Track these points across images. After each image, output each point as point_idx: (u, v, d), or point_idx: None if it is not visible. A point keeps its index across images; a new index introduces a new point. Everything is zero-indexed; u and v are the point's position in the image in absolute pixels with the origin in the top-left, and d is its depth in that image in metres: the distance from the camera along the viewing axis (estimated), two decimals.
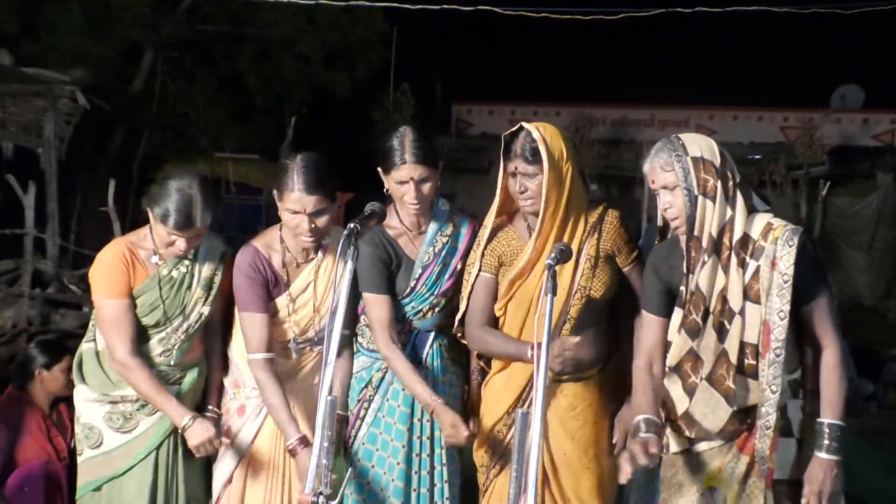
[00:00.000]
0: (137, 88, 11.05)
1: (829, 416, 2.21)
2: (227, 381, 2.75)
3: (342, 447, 2.64)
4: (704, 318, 2.28)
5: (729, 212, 2.24)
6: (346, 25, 11.69)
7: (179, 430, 2.59)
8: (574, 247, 2.40)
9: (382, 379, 2.63)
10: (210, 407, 2.73)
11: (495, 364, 2.60)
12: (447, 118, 13.28)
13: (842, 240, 11.47)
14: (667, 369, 2.39)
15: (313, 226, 2.49)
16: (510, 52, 13.54)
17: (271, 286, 2.61)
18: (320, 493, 1.91)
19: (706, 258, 2.24)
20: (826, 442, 2.19)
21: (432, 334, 2.65)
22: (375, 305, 2.57)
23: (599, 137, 12.14)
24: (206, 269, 2.67)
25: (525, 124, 2.43)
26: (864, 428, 6.06)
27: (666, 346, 2.38)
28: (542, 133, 2.39)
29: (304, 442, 2.46)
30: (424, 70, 12.86)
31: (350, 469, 2.57)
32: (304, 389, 2.63)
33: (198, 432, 2.56)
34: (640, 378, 2.37)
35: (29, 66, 8.56)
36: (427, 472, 2.61)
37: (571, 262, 2.39)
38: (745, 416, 2.29)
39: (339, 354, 2.08)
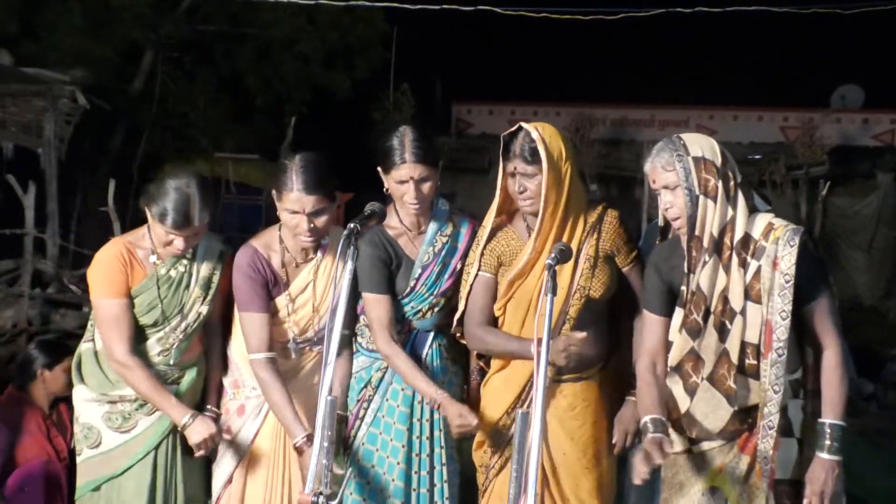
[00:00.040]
0: (137, 88, 11.06)
1: (830, 416, 2.21)
2: (226, 381, 2.75)
3: (342, 447, 2.64)
4: (705, 318, 2.28)
5: (730, 212, 2.24)
6: (346, 25, 11.69)
7: (179, 429, 2.59)
8: (573, 247, 2.40)
9: (382, 379, 2.63)
10: (209, 406, 2.72)
11: (494, 364, 2.60)
12: (447, 118, 13.28)
13: (842, 240, 11.47)
14: (668, 369, 2.38)
15: (312, 226, 2.49)
16: (510, 52, 13.54)
17: (271, 286, 2.61)
18: (320, 493, 1.91)
19: (707, 258, 2.24)
20: (827, 442, 2.19)
21: (431, 334, 2.65)
22: (375, 305, 2.57)
23: (599, 137, 12.13)
24: (204, 269, 2.67)
25: (524, 124, 2.43)
26: (864, 428, 6.07)
27: (668, 345, 2.37)
28: (540, 133, 2.39)
29: (311, 440, 2.46)
30: (424, 70, 12.86)
31: (350, 469, 2.57)
32: (304, 389, 2.63)
33: (198, 430, 2.56)
34: (645, 378, 2.37)
35: (29, 66, 8.56)
36: (427, 471, 2.61)
37: (571, 262, 2.39)
38: (745, 416, 2.29)
39: (338, 354, 2.09)
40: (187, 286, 2.64)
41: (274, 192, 2.53)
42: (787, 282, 2.17)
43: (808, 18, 7.60)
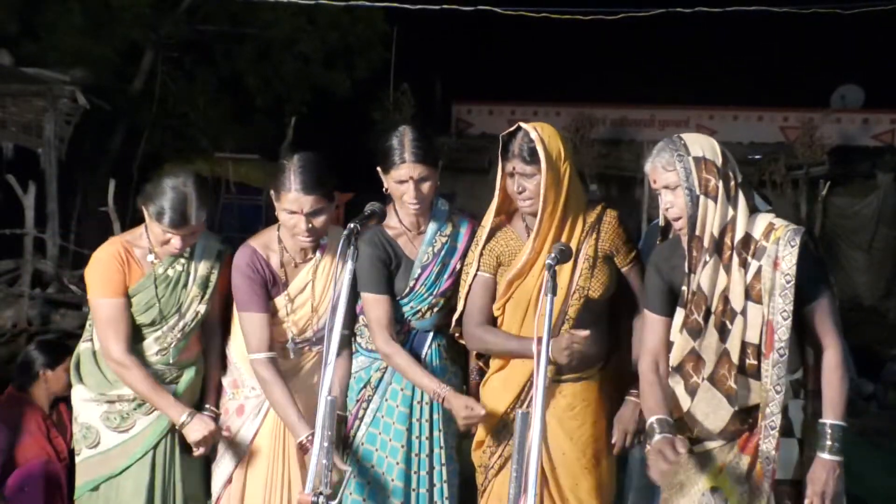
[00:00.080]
0: (137, 88, 11.06)
1: (830, 416, 2.20)
2: (225, 381, 2.75)
3: (341, 447, 2.64)
4: (706, 318, 2.28)
5: (731, 212, 2.24)
6: (346, 25, 11.70)
7: (177, 427, 2.59)
8: (572, 247, 2.40)
9: (381, 379, 2.63)
10: (208, 406, 2.72)
11: (493, 363, 2.60)
12: (447, 118, 13.27)
13: (842, 240, 11.47)
14: (669, 369, 2.38)
15: (310, 226, 2.49)
16: (510, 52, 13.54)
17: (270, 286, 2.60)
18: (320, 493, 1.91)
19: (708, 258, 2.24)
20: (828, 443, 2.19)
21: (431, 334, 2.65)
22: (374, 305, 2.57)
23: (599, 137, 12.13)
24: (202, 268, 2.67)
25: (523, 124, 2.43)
26: (865, 428, 6.07)
27: (669, 345, 2.37)
28: (539, 133, 2.39)
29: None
30: (424, 70, 12.86)
31: (350, 469, 2.57)
32: (303, 389, 2.63)
33: (197, 428, 2.56)
34: (648, 378, 2.37)
35: (29, 66, 8.56)
36: (426, 472, 2.61)
37: (570, 263, 2.38)
38: (746, 416, 2.29)
39: (337, 354, 2.09)
40: (185, 285, 2.64)
41: (272, 192, 2.53)
42: (788, 282, 2.17)
43: (808, 18, 7.61)
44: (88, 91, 8.58)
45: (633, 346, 2.55)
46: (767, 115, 12.51)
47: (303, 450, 2.51)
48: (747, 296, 2.23)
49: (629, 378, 2.55)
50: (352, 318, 2.65)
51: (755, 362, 2.24)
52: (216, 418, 2.71)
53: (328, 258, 2.67)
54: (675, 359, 2.35)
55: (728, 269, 2.24)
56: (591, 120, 12.11)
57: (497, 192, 2.50)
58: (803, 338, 2.29)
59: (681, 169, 2.24)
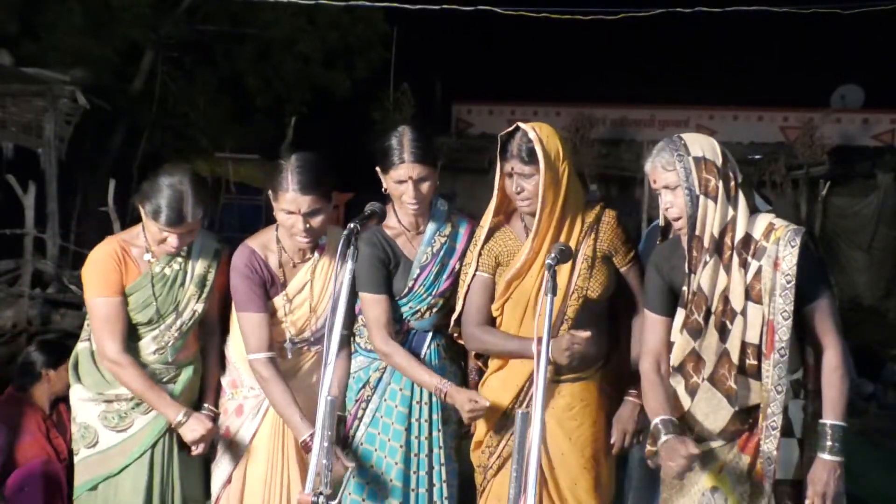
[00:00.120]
0: (137, 88, 11.06)
1: (831, 416, 2.20)
2: (224, 381, 2.75)
3: (341, 447, 2.64)
4: (706, 319, 2.28)
5: (731, 212, 2.24)
6: (346, 25, 11.70)
7: (173, 427, 2.59)
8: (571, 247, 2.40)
9: (380, 379, 2.63)
10: (206, 405, 2.72)
11: (492, 364, 2.59)
12: (447, 118, 13.27)
13: (842, 240, 11.47)
14: (670, 369, 2.38)
15: (308, 226, 2.49)
16: (510, 52, 13.55)
17: (268, 286, 2.60)
18: (320, 493, 1.91)
19: (708, 258, 2.24)
20: (829, 443, 2.19)
21: (430, 334, 2.64)
22: (372, 305, 2.57)
23: (599, 137, 12.13)
24: (199, 267, 2.67)
25: (521, 124, 2.42)
26: (864, 428, 6.07)
27: (669, 345, 2.37)
28: (538, 133, 2.39)
29: None
30: (424, 70, 12.86)
31: (353, 465, 2.57)
32: (302, 389, 2.62)
33: (193, 427, 2.56)
34: (650, 379, 2.36)
35: (29, 66, 8.56)
36: (425, 472, 2.60)
37: (568, 263, 2.38)
38: (746, 417, 2.29)
39: (336, 354, 2.09)
40: (182, 284, 2.64)
41: (270, 192, 2.53)
42: (789, 282, 2.17)
43: (808, 18, 7.61)
44: (88, 91, 8.58)
45: (632, 347, 2.55)
46: (767, 115, 12.51)
47: (305, 449, 2.51)
48: (747, 296, 2.23)
49: (628, 378, 2.55)
50: (351, 318, 2.65)
51: (755, 362, 2.24)
52: (215, 418, 2.71)
53: (326, 258, 2.67)
54: (675, 359, 2.35)
55: (728, 270, 2.24)
56: (591, 120, 12.10)
57: (495, 192, 2.50)
58: (803, 338, 2.29)
59: (681, 169, 2.24)
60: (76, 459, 2.70)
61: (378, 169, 2.56)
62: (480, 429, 2.58)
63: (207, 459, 2.73)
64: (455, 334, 2.62)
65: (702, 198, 2.22)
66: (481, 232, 2.54)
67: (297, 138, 10.65)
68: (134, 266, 2.60)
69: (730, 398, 2.26)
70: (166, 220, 2.45)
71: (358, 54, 12.23)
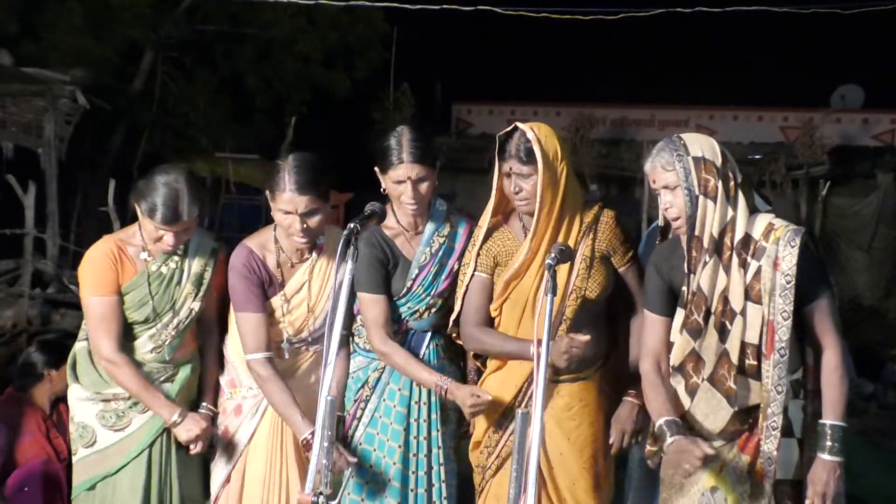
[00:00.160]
0: (137, 88, 11.07)
1: (830, 417, 2.20)
2: (223, 381, 2.75)
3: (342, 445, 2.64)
4: (706, 319, 2.28)
5: (730, 212, 2.24)
6: (346, 25, 11.70)
7: (168, 426, 2.59)
8: None
9: (379, 379, 2.62)
10: (204, 404, 2.72)
11: (491, 364, 2.59)
12: (447, 118, 13.27)
13: (842, 240, 11.47)
14: (670, 369, 2.38)
15: (305, 226, 2.49)
16: (510, 52, 13.54)
17: (266, 286, 2.60)
18: (320, 493, 1.91)
19: (707, 258, 2.24)
20: (829, 443, 2.19)
21: (429, 334, 2.64)
22: (371, 305, 2.57)
23: (599, 137, 12.12)
24: (195, 265, 2.67)
25: (519, 124, 2.42)
26: (864, 428, 6.07)
27: (670, 345, 2.37)
28: (536, 133, 2.38)
29: None
30: (424, 70, 12.85)
31: (350, 469, 2.57)
32: (300, 389, 2.62)
33: (188, 427, 2.57)
34: (651, 380, 2.36)
35: (29, 66, 8.57)
36: (424, 472, 2.60)
37: (566, 263, 2.38)
38: (746, 417, 2.29)
39: (335, 354, 2.09)
40: (179, 282, 2.64)
41: (267, 192, 2.53)
42: (789, 282, 2.17)
43: (808, 18, 7.61)
44: (88, 91, 8.58)
45: (630, 347, 2.55)
46: (767, 115, 12.50)
47: (306, 447, 2.51)
48: (747, 296, 2.23)
49: (627, 378, 2.55)
50: (350, 318, 2.65)
51: (755, 363, 2.24)
52: (214, 417, 2.71)
53: (325, 258, 2.67)
54: (675, 359, 2.35)
55: (728, 270, 2.24)
56: (591, 120, 12.09)
57: (494, 193, 2.50)
58: (803, 338, 2.29)
59: (680, 169, 2.24)
60: (74, 459, 2.71)
61: (377, 169, 2.56)
62: (479, 429, 2.58)
63: (206, 459, 2.74)
64: (454, 334, 2.61)
65: (701, 198, 2.22)
66: (479, 232, 2.54)
67: (297, 138, 10.66)
68: (130, 265, 2.60)
69: (729, 398, 2.26)
70: (162, 218, 2.46)
71: (358, 54, 12.24)
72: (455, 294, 2.58)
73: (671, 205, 2.28)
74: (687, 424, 2.34)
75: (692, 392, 2.32)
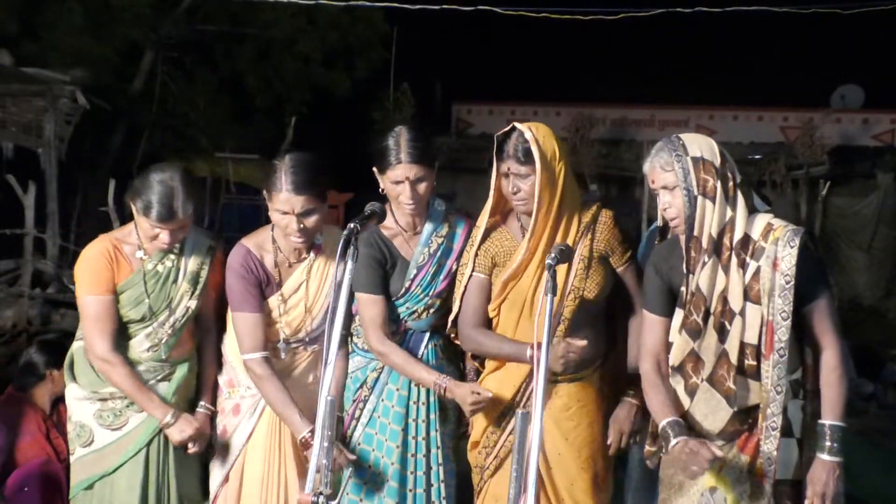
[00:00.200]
0: (137, 88, 11.07)
1: (830, 417, 2.21)
2: (221, 380, 2.75)
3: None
4: (705, 319, 2.28)
5: (729, 212, 2.24)
6: (346, 25, 11.70)
7: (161, 428, 2.59)
8: None
9: (377, 379, 2.63)
10: (203, 403, 2.72)
11: (489, 364, 2.59)
12: (447, 118, 13.27)
13: (842, 240, 11.46)
14: (670, 369, 2.38)
15: (302, 226, 2.49)
16: (510, 52, 13.54)
17: (264, 286, 2.60)
18: (320, 493, 1.91)
19: (706, 259, 2.24)
20: (828, 444, 2.19)
21: (427, 335, 2.64)
22: (369, 305, 2.57)
23: (599, 137, 12.11)
24: (192, 263, 2.67)
25: (517, 125, 2.42)
26: (864, 428, 6.06)
27: (669, 345, 2.37)
28: (534, 133, 2.38)
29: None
30: (424, 70, 12.85)
31: (350, 469, 2.57)
32: (297, 389, 2.62)
33: (181, 428, 2.58)
34: (651, 380, 2.36)
35: (29, 66, 8.58)
36: (423, 472, 2.61)
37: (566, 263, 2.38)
38: (745, 417, 2.29)
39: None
40: (175, 281, 2.64)
41: (265, 192, 2.53)
42: (788, 283, 2.17)
43: (808, 18, 7.60)
44: (88, 91, 8.59)
45: (629, 347, 2.55)
46: (767, 115, 12.49)
47: (304, 446, 2.51)
48: (746, 296, 2.23)
49: (625, 378, 2.55)
50: (348, 318, 2.65)
51: (754, 363, 2.24)
52: (212, 416, 2.71)
53: (322, 258, 2.67)
54: (674, 359, 2.35)
55: (727, 270, 2.24)
56: (591, 120, 12.09)
57: (492, 193, 2.50)
58: (802, 338, 2.29)
59: (679, 169, 2.24)
60: (72, 459, 2.71)
61: (375, 169, 2.56)
62: (477, 429, 2.58)
63: (205, 458, 2.74)
64: (452, 335, 2.61)
65: (700, 198, 2.22)
66: (478, 232, 2.54)
67: (297, 138, 10.66)
68: (126, 264, 2.61)
69: (729, 399, 2.26)
70: (157, 216, 2.46)
71: (358, 54, 12.23)
72: (453, 294, 2.58)
73: (670, 205, 2.28)
74: (687, 425, 2.34)
75: (691, 392, 2.33)
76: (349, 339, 2.69)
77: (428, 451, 2.61)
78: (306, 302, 2.64)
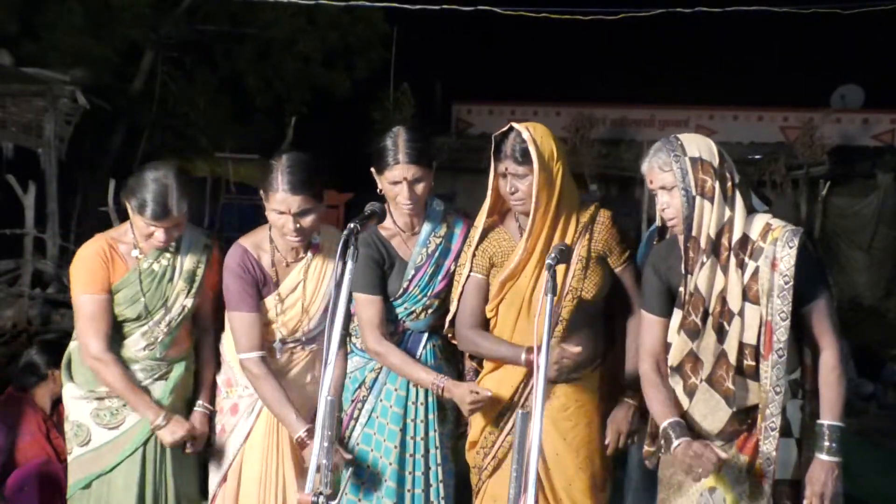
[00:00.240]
0: (137, 88, 11.07)
1: (828, 417, 2.21)
2: (219, 380, 2.75)
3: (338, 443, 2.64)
4: (704, 320, 2.28)
5: (727, 212, 2.24)
6: (346, 25, 11.71)
7: (152, 429, 2.60)
8: None
9: (376, 379, 2.62)
10: (200, 402, 2.72)
11: (487, 364, 2.59)
12: (447, 118, 13.27)
13: (842, 240, 11.46)
14: (669, 370, 2.38)
15: (298, 226, 2.49)
16: (510, 52, 13.54)
17: (261, 286, 2.60)
18: (320, 493, 1.91)
19: (705, 259, 2.24)
20: (826, 444, 2.19)
21: (426, 335, 2.64)
22: (366, 306, 2.56)
23: (599, 137, 12.12)
24: (188, 262, 2.67)
25: (515, 125, 2.42)
26: (864, 428, 6.06)
27: (668, 346, 2.37)
28: (531, 133, 2.38)
29: (312, 434, 2.46)
30: (424, 70, 12.86)
31: (350, 469, 2.57)
32: (294, 389, 2.62)
33: (172, 430, 2.58)
34: (651, 381, 2.36)
35: (29, 66, 8.58)
36: (422, 472, 2.60)
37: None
38: (744, 417, 2.29)
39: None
40: (171, 279, 2.65)
41: (262, 192, 2.53)
42: (787, 283, 2.17)
43: (808, 18, 7.60)
44: (88, 91, 8.59)
45: (627, 348, 2.55)
46: (767, 115, 12.49)
47: (300, 446, 2.51)
48: (745, 297, 2.23)
49: (623, 379, 2.55)
50: (348, 318, 2.65)
51: (753, 363, 2.24)
52: (211, 415, 2.71)
53: (320, 258, 2.67)
54: (673, 360, 2.35)
55: (725, 270, 2.24)
56: (591, 120, 12.09)
57: (489, 193, 2.50)
58: (801, 338, 2.29)
59: (677, 170, 2.24)
60: (69, 458, 2.72)
61: (373, 170, 2.56)
62: (475, 429, 2.58)
63: (204, 457, 2.74)
64: (450, 335, 2.61)
65: (698, 198, 2.22)
66: (475, 232, 2.53)
67: (297, 138, 10.66)
68: (122, 263, 2.61)
69: (728, 399, 2.26)
70: (151, 214, 2.46)
71: (358, 54, 12.24)
72: (452, 295, 2.58)
73: (668, 205, 2.28)
74: (686, 425, 2.34)
75: (690, 393, 2.33)
76: (348, 339, 2.69)
77: (426, 451, 2.61)
78: (303, 302, 2.64)
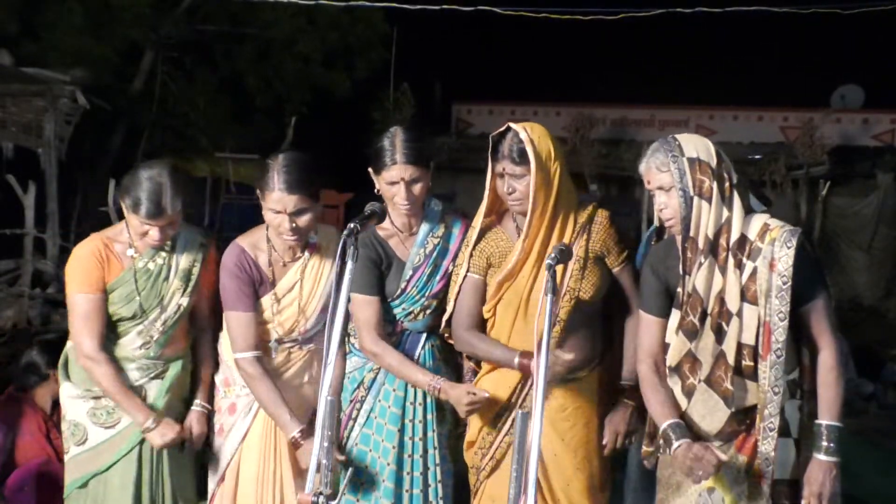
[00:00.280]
0: (137, 88, 11.08)
1: (826, 417, 2.21)
2: (217, 379, 2.75)
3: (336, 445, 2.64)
4: (702, 320, 2.28)
5: (725, 213, 2.24)
6: (346, 25, 11.72)
7: (142, 432, 2.59)
8: None
9: (374, 380, 2.62)
10: (198, 401, 2.72)
11: (485, 365, 2.58)
12: (447, 118, 13.27)
13: (842, 240, 11.46)
14: (667, 370, 2.39)
15: (294, 225, 2.49)
16: (510, 52, 13.55)
17: (257, 285, 2.60)
18: (320, 493, 1.91)
19: (703, 259, 2.24)
20: (824, 444, 2.19)
21: (424, 336, 2.64)
22: (363, 306, 2.56)
23: (599, 137, 12.12)
24: (183, 261, 2.67)
25: (512, 125, 2.41)
26: (864, 428, 6.06)
27: (666, 346, 2.37)
28: (529, 134, 2.38)
29: (306, 434, 2.47)
30: (424, 70, 12.87)
31: (350, 469, 2.57)
32: (289, 389, 2.62)
33: (162, 433, 2.58)
34: (650, 381, 2.36)
35: (29, 66, 8.58)
36: (420, 472, 2.60)
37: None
38: (743, 417, 2.29)
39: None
40: (166, 278, 2.65)
41: (258, 191, 2.53)
42: (785, 283, 2.17)
43: (808, 18, 7.60)
44: (88, 91, 8.60)
45: (625, 349, 2.55)
46: (767, 115, 12.50)
47: (295, 445, 2.52)
48: (743, 297, 2.23)
49: (621, 379, 2.55)
50: (346, 318, 2.64)
51: (751, 363, 2.24)
52: (209, 414, 2.71)
53: (317, 258, 2.67)
54: (671, 360, 2.35)
55: (723, 271, 2.24)
56: (591, 120, 12.10)
57: (487, 193, 2.49)
58: (799, 338, 2.29)
59: (675, 170, 2.24)
60: (66, 458, 2.71)
61: (370, 170, 2.56)
62: (472, 429, 2.58)
63: (202, 457, 2.74)
64: (446, 335, 2.61)
65: (696, 199, 2.22)
66: (473, 233, 2.53)
67: (297, 138, 10.67)
68: (117, 262, 2.61)
69: (726, 399, 2.26)
70: (146, 213, 2.46)
71: (358, 54, 12.25)
72: (448, 295, 2.58)
73: (666, 206, 2.28)
74: (685, 426, 2.35)
75: (689, 393, 2.33)
76: (347, 339, 2.68)
77: (425, 451, 2.61)
78: (300, 302, 2.64)
